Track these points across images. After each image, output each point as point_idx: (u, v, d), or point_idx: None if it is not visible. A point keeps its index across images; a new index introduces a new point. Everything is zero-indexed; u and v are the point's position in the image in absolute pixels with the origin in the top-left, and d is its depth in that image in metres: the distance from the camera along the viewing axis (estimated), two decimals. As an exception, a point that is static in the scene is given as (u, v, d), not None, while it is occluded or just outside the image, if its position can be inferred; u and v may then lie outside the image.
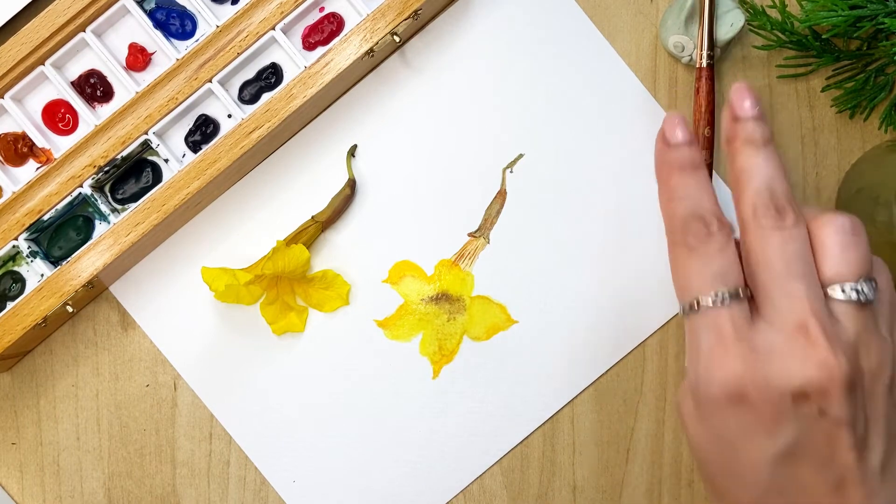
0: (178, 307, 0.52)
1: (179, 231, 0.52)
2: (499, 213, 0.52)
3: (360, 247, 0.52)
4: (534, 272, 0.52)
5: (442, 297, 0.52)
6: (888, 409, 0.36)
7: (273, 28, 0.48)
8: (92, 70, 0.49)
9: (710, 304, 0.36)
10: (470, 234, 0.52)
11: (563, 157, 0.52)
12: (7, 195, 0.48)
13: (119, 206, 0.49)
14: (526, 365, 0.52)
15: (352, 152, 0.52)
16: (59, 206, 0.48)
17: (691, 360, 0.37)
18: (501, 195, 0.52)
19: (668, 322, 0.52)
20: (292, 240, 0.50)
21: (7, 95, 0.48)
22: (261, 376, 0.52)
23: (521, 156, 0.52)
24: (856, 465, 0.35)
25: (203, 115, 0.49)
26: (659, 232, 0.51)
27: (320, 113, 0.52)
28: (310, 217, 0.51)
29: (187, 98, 0.48)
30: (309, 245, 0.51)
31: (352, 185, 0.52)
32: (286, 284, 0.51)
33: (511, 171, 0.52)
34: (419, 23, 0.51)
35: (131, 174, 0.50)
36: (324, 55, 0.48)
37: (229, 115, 0.50)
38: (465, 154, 0.52)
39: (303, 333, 0.52)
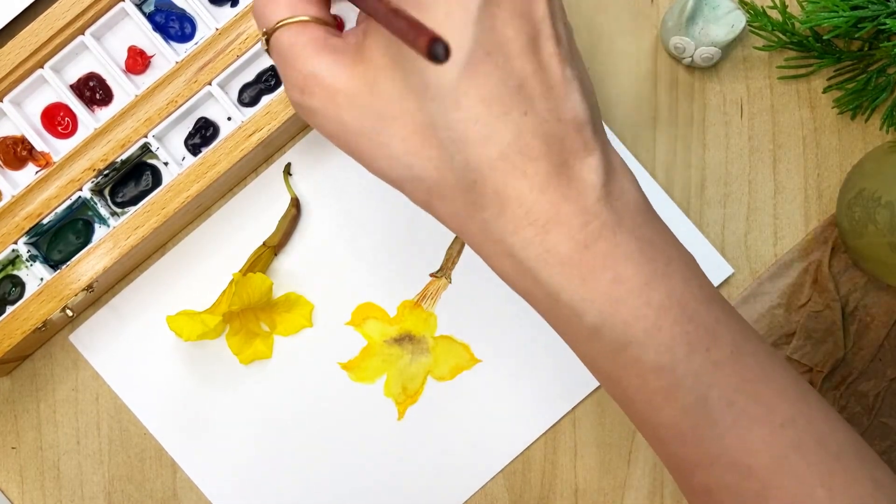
0: (137, 354, 0.52)
1: (138, 278, 0.52)
2: (460, 252, 0.52)
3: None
4: (497, 311, 0.51)
5: (405, 338, 0.52)
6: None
7: (273, 30, 0.48)
8: (91, 73, 0.49)
9: None
10: (432, 275, 0.52)
11: None
12: (6, 199, 0.48)
13: (119, 210, 0.49)
14: (491, 405, 0.51)
15: (287, 171, 0.51)
16: (59, 210, 0.48)
17: None
18: None
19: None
20: (248, 269, 0.50)
21: (6, 99, 0.48)
22: (224, 420, 0.52)
23: None
24: (547, 19, 0.34)
25: (203, 117, 0.49)
26: None
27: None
28: (261, 244, 0.51)
29: (187, 101, 0.48)
30: (264, 272, 0.51)
31: (296, 203, 0.51)
32: (249, 312, 0.51)
33: None
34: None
35: (131, 177, 0.49)
36: (324, 57, 0.48)
37: (229, 118, 0.49)
38: None
39: (269, 362, 0.51)
